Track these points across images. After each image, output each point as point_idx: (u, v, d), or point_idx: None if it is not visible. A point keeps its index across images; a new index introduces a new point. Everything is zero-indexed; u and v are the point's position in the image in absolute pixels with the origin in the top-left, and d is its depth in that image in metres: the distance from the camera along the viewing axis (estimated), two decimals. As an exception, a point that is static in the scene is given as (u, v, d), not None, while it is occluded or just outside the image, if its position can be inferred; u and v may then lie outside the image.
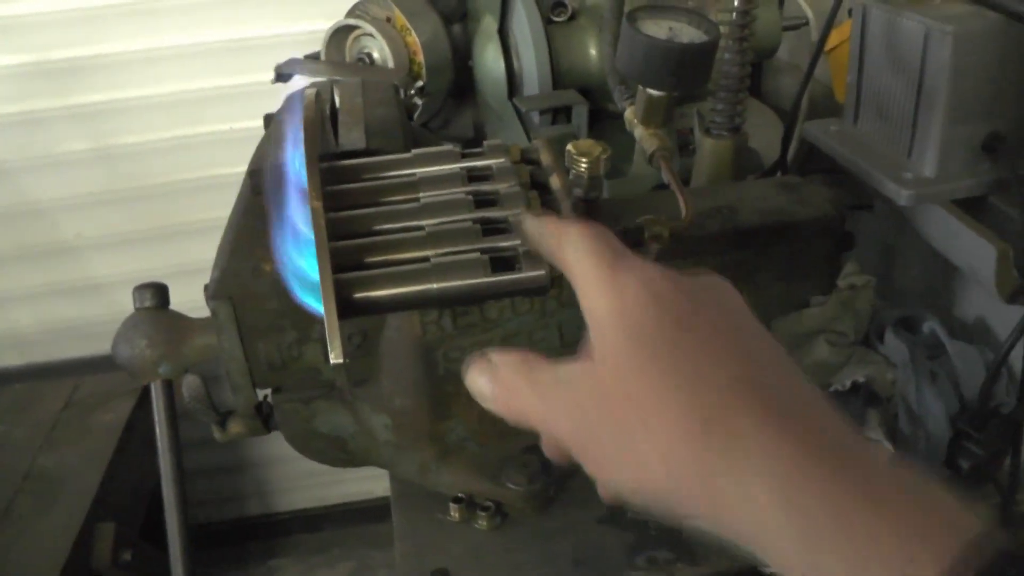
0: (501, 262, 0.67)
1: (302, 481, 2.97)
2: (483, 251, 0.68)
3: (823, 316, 1.13)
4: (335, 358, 0.60)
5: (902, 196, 1.07)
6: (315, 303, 0.67)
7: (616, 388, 0.53)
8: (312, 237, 0.65)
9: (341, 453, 1.07)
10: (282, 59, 1.72)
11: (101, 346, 2.51)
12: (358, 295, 0.65)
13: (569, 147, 0.72)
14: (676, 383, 0.52)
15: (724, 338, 0.54)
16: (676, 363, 0.52)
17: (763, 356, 0.55)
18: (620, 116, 1.10)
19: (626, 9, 1.08)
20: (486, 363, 0.61)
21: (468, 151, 0.79)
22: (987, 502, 1.09)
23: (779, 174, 1.39)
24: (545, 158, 0.78)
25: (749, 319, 0.57)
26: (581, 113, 1.50)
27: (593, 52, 1.55)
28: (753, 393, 0.51)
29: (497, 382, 0.60)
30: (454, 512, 1.07)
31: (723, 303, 0.58)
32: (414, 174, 0.76)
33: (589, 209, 0.73)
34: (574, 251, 0.60)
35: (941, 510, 0.47)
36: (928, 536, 0.45)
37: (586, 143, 0.72)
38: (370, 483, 2.99)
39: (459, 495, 1.07)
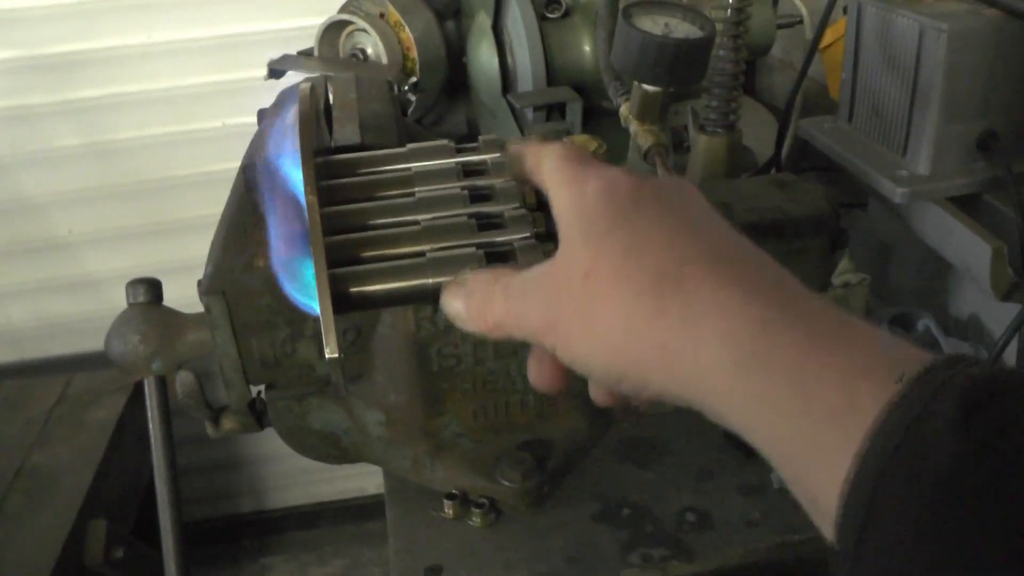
0: (497, 257, 0.67)
1: (295, 478, 2.97)
2: (478, 246, 0.68)
3: (817, 313, 1.13)
4: (330, 353, 0.60)
5: (897, 194, 1.07)
6: (309, 299, 0.67)
7: (576, 268, 0.54)
8: (306, 232, 0.65)
9: (334, 449, 1.07)
10: (275, 55, 1.72)
11: (94, 342, 2.50)
12: (353, 290, 0.65)
13: (564, 141, 0.72)
14: (628, 251, 0.53)
15: (678, 216, 0.55)
16: (630, 236, 0.54)
17: (716, 232, 0.56)
18: (614, 113, 1.10)
19: (621, 5, 1.07)
20: (457, 283, 0.62)
21: (463, 146, 0.78)
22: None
23: (773, 171, 1.39)
24: (540, 153, 0.78)
25: (707, 209, 0.58)
26: (575, 110, 1.49)
27: (587, 49, 1.55)
28: (703, 253, 0.52)
29: (470, 297, 0.61)
30: (448, 509, 1.06)
31: (683, 195, 0.58)
32: (409, 169, 0.75)
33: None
34: (548, 162, 0.62)
35: (889, 348, 0.48)
36: (872, 369, 0.46)
37: (582, 138, 0.72)
38: (363, 480, 3.00)
39: (453, 492, 1.07)
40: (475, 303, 0.60)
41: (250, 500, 3.05)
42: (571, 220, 0.57)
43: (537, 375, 0.65)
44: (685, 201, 0.58)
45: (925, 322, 1.16)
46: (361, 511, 3.03)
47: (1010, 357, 1.05)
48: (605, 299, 0.53)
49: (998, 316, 1.11)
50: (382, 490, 1.16)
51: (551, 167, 0.62)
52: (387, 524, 1.09)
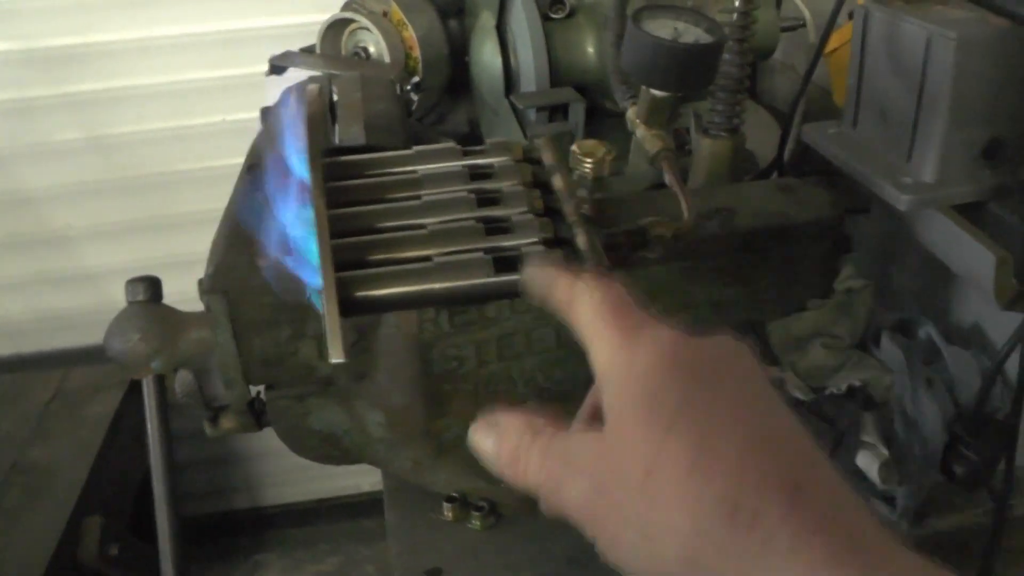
0: (504, 262, 0.67)
1: (290, 475, 2.97)
2: (486, 250, 0.68)
3: (820, 319, 1.13)
4: (336, 357, 0.59)
5: (901, 201, 1.07)
6: (315, 300, 0.67)
7: (634, 460, 0.50)
8: (313, 234, 0.65)
9: (334, 450, 1.07)
10: (277, 51, 1.72)
11: (91, 337, 2.50)
12: (360, 294, 0.65)
13: (574, 147, 0.72)
14: (697, 463, 0.49)
15: (743, 412, 0.52)
16: (698, 442, 0.49)
17: (782, 432, 0.52)
18: (617, 114, 1.10)
19: (630, 8, 1.07)
20: (491, 423, 0.59)
21: (470, 149, 0.78)
22: (981, 507, 1.09)
23: (776, 175, 1.38)
24: (547, 157, 0.78)
25: (766, 387, 0.55)
26: (578, 111, 1.49)
27: (591, 50, 1.55)
28: (779, 479, 0.48)
29: (503, 444, 0.57)
30: (448, 512, 1.06)
31: (740, 370, 0.55)
32: (416, 171, 0.75)
33: (596, 210, 0.72)
34: (587, 310, 0.57)
35: None
36: None
37: (590, 144, 0.72)
38: (358, 478, 2.99)
39: (453, 494, 1.07)
40: (508, 454, 0.57)
41: (245, 496, 3.04)
42: (623, 394, 0.53)
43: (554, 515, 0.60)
44: (745, 381, 0.54)
45: (927, 329, 1.16)
46: (356, 509, 3.03)
47: (1012, 367, 1.05)
48: (668, 512, 0.48)
49: (1001, 325, 1.10)
50: (377, 488, 1.16)
51: (590, 317, 0.57)
52: (387, 526, 1.09)
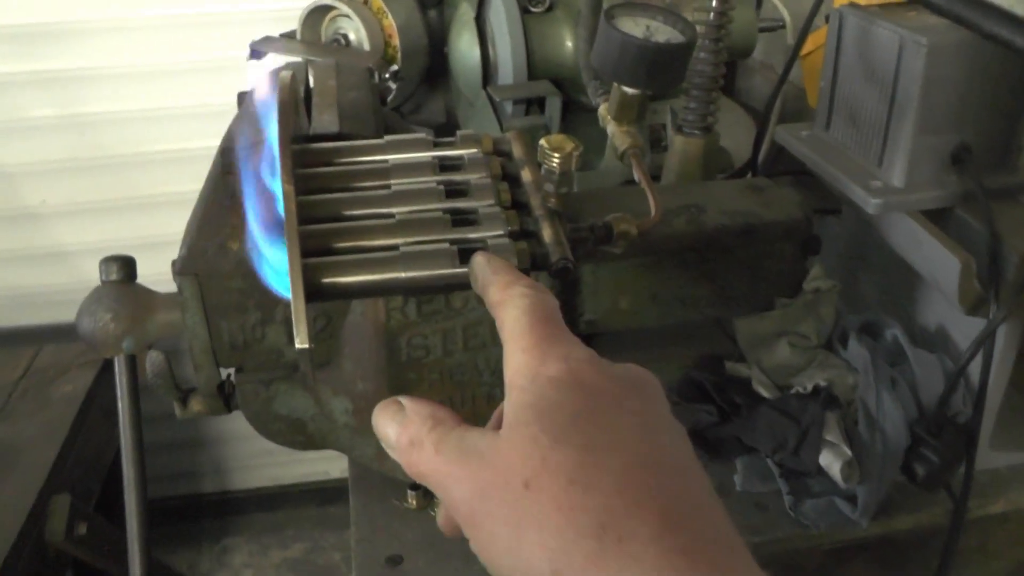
0: (469, 253, 0.67)
1: (258, 460, 2.97)
2: (452, 241, 0.68)
3: (786, 318, 1.14)
4: (300, 343, 0.60)
5: (870, 204, 1.08)
6: (281, 285, 0.67)
7: (516, 472, 0.51)
8: (281, 220, 0.65)
9: (300, 435, 1.07)
10: (256, 35, 1.72)
11: (63, 314, 2.49)
12: (326, 280, 0.65)
13: (542, 142, 0.72)
14: (576, 479, 0.49)
15: (633, 436, 0.52)
16: (581, 458, 0.50)
17: (669, 461, 0.53)
18: (593, 109, 1.10)
19: (604, 5, 1.08)
20: (396, 407, 0.59)
21: (440, 140, 0.79)
22: (941, 508, 1.10)
23: (749, 175, 1.39)
24: (517, 150, 0.78)
25: (665, 418, 0.55)
26: (554, 104, 1.50)
27: (569, 44, 1.56)
28: (653, 503, 0.49)
29: (403, 432, 0.57)
30: (411, 499, 1.07)
31: (642, 398, 0.55)
32: (386, 161, 0.76)
33: (562, 204, 0.73)
34: (513, 314, 0.58)
35: None
36: None
37: (558, 138, 0.72)
38: (325, 464, 2.99)
39: (417, 483, 1.07)
40: (405, 442, 0.57)
41: (213, 480, 3.04)
42: (522, 401, 0.54)
43: (444, 522, 0.62)
44: (647, 414, 0.55)
45: (893, 331, 1.17)
46: (324, 495, 3.04)
47: (975, 371, 1.06)
48: (540, 524, 0.49)
49: (965, 329, 1.12)
50: (345, 475, 1.17)
51: (514, 321, 0.58)
52: (350, 512, 1.10)
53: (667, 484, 0.51)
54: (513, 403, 0.54)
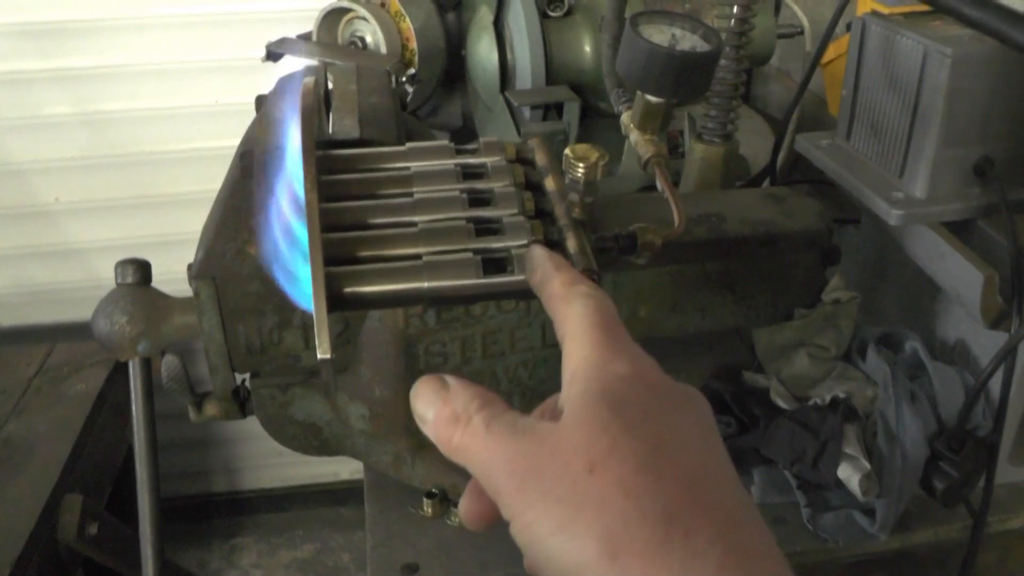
0: (493, 263, 0.67)
1: (269, 460, 2.97)
2: (475, 251, 0.68)
3: (805, 329, 1.13)
4: (323, 353, 0.59)
5: (892, 216, 1.07)
6: (300, 294, 0.67)
7: (580, 453, 0.50)
8: (304, 228, 0.65)
9: (315, 440, 1.07)
10: (273, 36, 1.71)
11: (77, 312, 2.50)
12: (348, 290, 0.64)
13: (567, 151, 0.72)
14: (647, 467, 0.49)
15: (700, 444, 0.53)
16: (652, 450, 0.50)
17: (724, 474, 0.53)
18: (610, 114, 1.10)
19: (628, 12, 1.07)
20: (440, 383, 0.57)
21: (463, 147, 0.78)
22: (960, 523, 1.10)
23: (767, 183, 1.39)
24: (540, 158, 0.78)
25: (717, 437, 0.55)
26: (573, 110, 1.49)
27: (588, 49, 1.55)
28: (721, 503, 0.50)
29: (445, 406, 0.55)
30: (427, 507, 1.06)
31: (699, 414, 0.56)
32: (408, 168, 0.75)
33: (587, 213, 0.72)
34: (579, 311, 0.58)
35: None
36: None
37: (583, 148, 0.72)
38: (337, 466, 3.00)
39: (432, 490, 1.07)
40: (449, 418, 0.55)
41: (224, 480, 3.04)
42: (590, 390, 0.53)
43: (468, 509, 0.60)
44: (704, 424, 0.55)
45: (912, 344, 1.16)
46: (334, 496, 3.04)
47: (995, 385, 1.05)
48: (602, 506, 0.48)
49: (985, 343, 1.11)
50: (356, 476, 1.17)
51: (580, 317, 0.57)
52: (366, 519, 1.09)
53: (729, 489, 0.51)
54: (579, 392, 0.53)
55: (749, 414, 1.14)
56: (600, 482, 0.49)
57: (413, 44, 1.67)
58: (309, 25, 1.75)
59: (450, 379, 0.57)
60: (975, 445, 1.06)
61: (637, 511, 0.48)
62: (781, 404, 1.13)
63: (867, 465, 1.05)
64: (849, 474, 1.05)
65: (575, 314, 0.58)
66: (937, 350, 1.20)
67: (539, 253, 0.64)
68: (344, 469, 3.00)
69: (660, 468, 0.49)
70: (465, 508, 0.60)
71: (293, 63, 1.60)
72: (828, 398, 1.11)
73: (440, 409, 0.56)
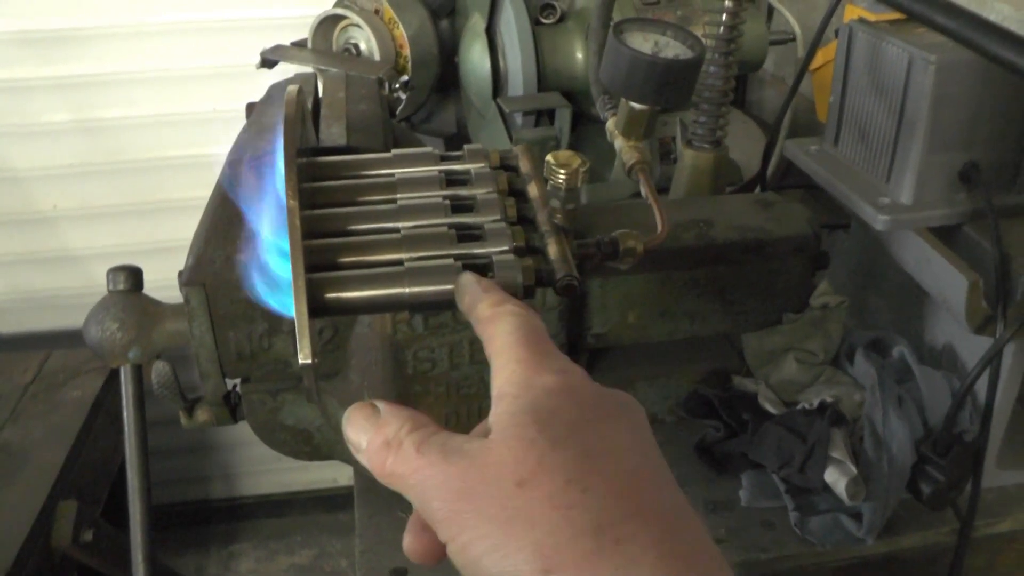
0: (474, 269, 0.67)
1: (267, 466, 2.97)
2: (457, 257, 0.68)
3: (794, 334, 1.14)
4: (304, 358, 0.59)
5: (878, 221, 1.08)
6: (283, 301, 0.67)
7: (509, 471, 0.50)
8: (286, 235, 0.65)
9: (306, 446, 1.07)
10: (269, 42, 1.72)
11: (73, 319, 2.49)
12: (329, 296, 0.65)
13: (548, 158, 0.72)
14: (575, 479, 0.49)
15: (631, 451, 0.53)
16: (580, 461, 0.50)
17: (664, 475, 0.53)
18: (602, 121, 1.10)
19: (614, 19, 1.08)
20: (371, 410, 0.57)
21: (447, 154, 0.79)
22: (947, 527, 1.10)
23: (758, 189, 1.39)
24: (524, 165, 0.78)
25: (651, 442, 0.55)
26: (564, 117, 1.50)
27: (579, 56, 1.56)
28: (652, 509, 0.50)
29: (377, 433, 0.55)
30: (416, 512, 1.07)
31: (631, 420, 0.56)
32: (392, 175, 0.76)
33: (569, 219, 0.72)
34: (505, 329, 0.58)
35: None
36: None
37: (565, 154, 0.72)
38: (334, 471, 3.00)
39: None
40: (381, 445, 0.55)
41: (221, 486, 3.04)
42: (516, 407, 0.53)
43: (414, 544, 0.59)
44: (635, 428, 0.55)
45: (900, 348, 1.16)
46: (331, 502, 3.04)
47: (982, 389, 1.06)
48: (533, 521, 0.48)
49: (972, 347, 1.11)
50: (353, 483, 1.17)
51: (506, 335, 0.58)
52: (356, 523, 1.10)
53: (663, 495, 0.52)
54: (505, 409, 0.53)
55: (738, 419, 1.14)
56: (530, 497, 0.49)
57: (406, 51, 1.68)
58: (305, 32, 1.75)
59: (381, 405, 0.57)
60: (962, 449, 1.06)
61: (568, 524, 0.48)
62: (769, 409, 1.13)
63: (854, 469, 1.05)
64: (836, 478, 1.06)
65: (500, 332, 0.58)
66: (925, 355, 1.21)
67: (467, 279, 0.65)
68: (342, 475, 3.00)
69: (589, 479, 0.49)
70: (409, 543, 0.59)
71: (287, 69, 1.61)
72: (816, 403, 1.11)
73: (373, 437, 0.55)
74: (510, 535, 0.48)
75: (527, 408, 0.53)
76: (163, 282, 1.08)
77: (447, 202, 0.73)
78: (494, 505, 0.49)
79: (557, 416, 0.52)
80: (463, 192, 0.74)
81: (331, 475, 3.03)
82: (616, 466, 0.51)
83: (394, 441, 0.54)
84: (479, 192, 0.74)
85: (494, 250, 0.69)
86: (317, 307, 0.65)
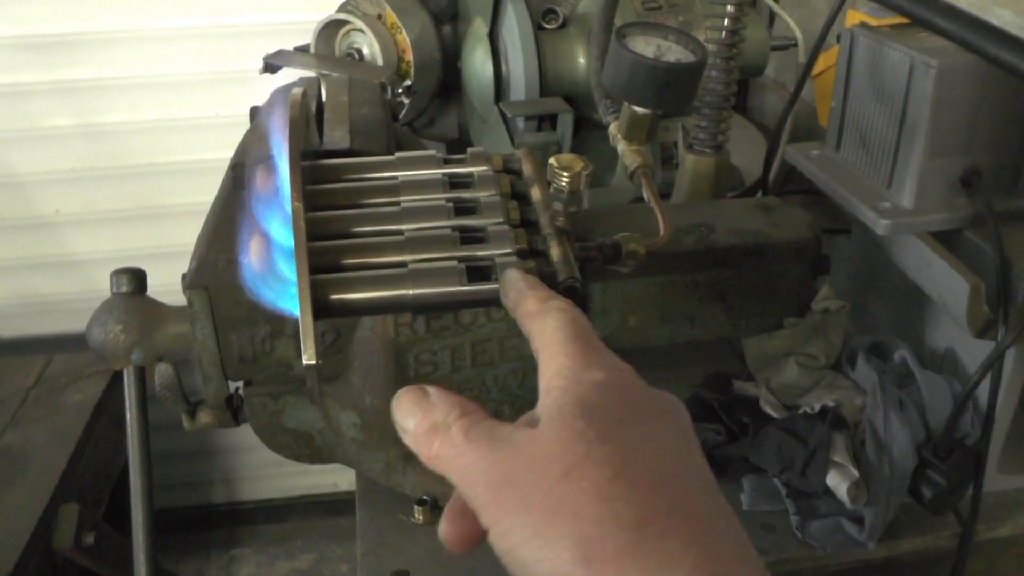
0: (477, 271, 0.68)
1: (268, 470, 2.97)
2: (460, 259, 0.69)
3: (795, 338, 1.14)
4: (308, 359, 0.60)
5: (880, 226, 1.08)
6: (287, 302, 0.68)
7: (555, 460, 0.50)
8: (290, 236, 0.65)
9: (307, 449, 1.07)
10: (271, 48, 1.73)
11: (76, 323, 2.50)
12: (333, 297, 0.65)
13: (551, 161, 0.72)
14: (622, 473, 0.50)
15: (675, 451, 0.54)
16: (627, 457, 0.50)
17: (707, 478, 0.54)
18: (605, 126, 1.10)
19: (616, 23, 1.08)
20: (420, 393, 0.58)
21: (450, 157, 0.79)
22: (948, 531, 1.10)
23: (760, 194, 1.39)
24: (527, 168, 0.79)
25: (695, 444, 0.56)
26: (566, 121, 1.50)
27: (581, 61, 1.56)
28: (695, 508, 0.50)
29: (425, 417, 0.56)
30: (418, 514, 1.07)
31: (677, 421, 0.57)
32: (396, 177, 0.76)
33: (571, 223, 0.73)
34: (554, 324, 0.59)
35: None
36: None
37: (568, 157, 0.72)
38: (334, 476, 3.00)
39: (424, 497, 1.07)
40: (429, 427, 0.55)
41: (223, 490, 3.05)
42: (565, 400, 0.54)
43: (449, 530, 0.59)
44: (681, 429, 0.56)
45: (902, 352, 1.16)
46: (332, 507, 3.04)
47: (983, 393, 1.06)
48: (577, 512, 0.48)
49: (974, 351, 1.12)
50: (354, 487, 1.17)
51: (555, 330, 0.58)
52: (357, 526, 1.10)
53: (705, 495, 0.52)
54: (554, 401, 0.54)
55: (738, 423, 1.14)
56: (575, 488, 0.49)
57: (409, 56, 1.68)
58: (308, 37, 1.76)
59: (431, 389, 0.58)
60: (963, 453, 1.06)
61: (612, 516, 0.48)
62: (771, 413, 1.14)
63: (855, 473, 1.05)
64: (837, 482, 1.06)
65: (549, 327, 0.59)
66: (927, 359, 1.21)
67: (512, 275, 0.65)
68: (343, 480, 3.00)
69: (635, 474, 0.50)
70: (445, 529, 0.59)
71: (290, 74, 1.62)
72: (817, 407, 1.11)
73: (421, 419, 0.56)
74: (553, 524, 0.49)
75: (576, 401, 0.53)
76: (166, 287, 1.08)
77: (450, 205, 0.73)
78: (538, 493, 0.50)
79: (605, 411, 0.53)
80: (466, 195, 0.75)
81: (332, 480, 3.03)
82: (661, 463, 0.52)
83: (442, 425, 0.55)
84: (482, 195, 0.75)
85: (497, 252, 0.69)
86: (321, 308, 0.65)
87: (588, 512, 0.48)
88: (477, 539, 0.55)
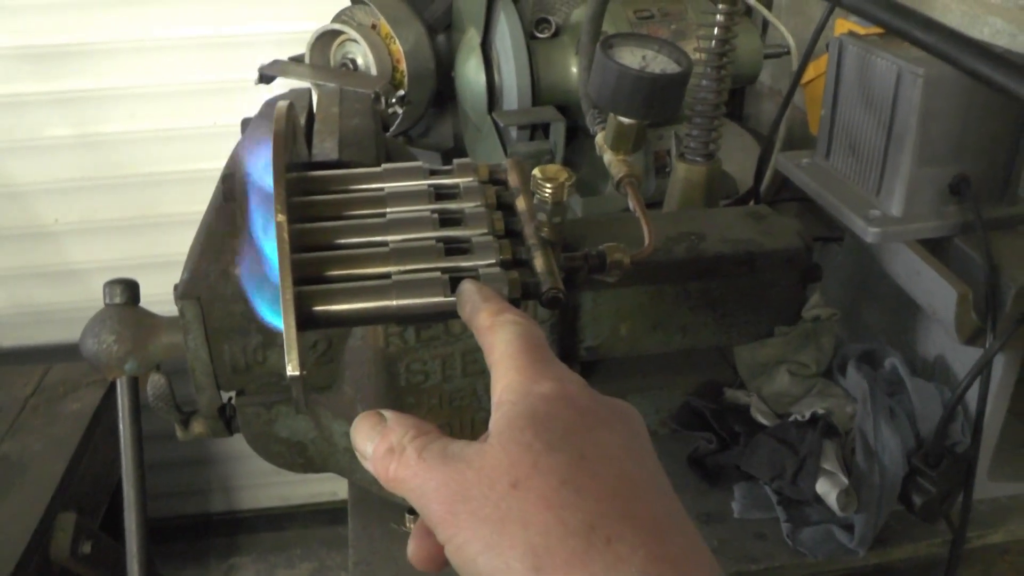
0: (461, 282, 0.68)
1: (267, 479, 2.97)
2: (444, 270, 0.69)
3: (786, 346, 1.14)
4: (292, 370, 0.60)
5: (869, 234, 1.08)
6: (274, 314, 0.68)
7: (504, 472, 0.51)
8: (275, 249, 0.66)
9: (300, 458, 1.08)
10: (268, 58, 1.73)
11: (73, 333, 2.50)
12: (318, 308, 0.66)
13: (535, 172, 0.73)
14: (569, 480, 0.50)
15: (626, 457, 0.54)
16: (574, 465, 0.51)
17: (658, 482, 0.54)
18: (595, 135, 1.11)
19: (609, 32, 1.08)
20: (377, 419, 0.59)
21: (437, 168, 0.79)
22: (939, 538, 1.10)
23: (752, 203, 1.40)
24: (513, 179, 0.79)
25: (648, 450, 0.56)
26: (559, 130, 1.50)
27: (574, 70, 1.56)
28: (644, 512, 0.50)
29: (383, 442, 0.57)
30: (409, 523, 1.07)
31: (628, 428, 0.57)
32: (382, 189, 0.76)
33: (555, 233, 0.73)
34: (505, 338, 0.59)
35: None
36: None
37: (552, 168, 0.73)
38: (333, 484, 3.00)
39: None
40: (385, 452, 0.56)
41: (221, 499, 3.05)
42: (513, 412, 0.54)
43: (416, 550, 0.60)
44: (633, 435, 0.56)
45: (892, 360, 1.17)
46: (331, 515, 3.04)
47: (973, 400, 1.06)
48: (525, 521, 0.49)
49: (964, 359, 1.12)
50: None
51: (506, 344, 0.59)
52: (349, 535, 1.10)
53: (656, 499, 0.52)
54: (503, 415, 0.54)
55: (729, 431, 1.15)
56: (523, 498, 0.50)
57: (403, 66, 1.69)
58: (303, 47, 1.76)
59: (388, 414, 0.59)
60: (953, 460, 1.07)
61: (559, 524, 0.48)
62: (762, 420, 1.14)
63: (845, 480, 1.06)
64: (828, 489, 1.06)
65: (501, 341, 0.59)
66: (918, 366, 1.21)
67: (468, 287, 0.66)
68: (342, 488, 2.98)
69: (583, 480, 0.50)
70: (412, 549, 0.60)
71: (285, 84, 1.62)
72: (808, 414, 1.12)
73: (378, 444, 0.57)
74: (503, 534, 0.49)
75: (524, 413, 0.54)
76: (164, 296, 1.08)
77: (435, 216, 0.73)
78: (488, 506, 0.50)
79: (553, 421, 0.53)
80: (451, 206, 0.75)
81: (330, 488, 3.03)
82: (610, 469, 0.52)
83: (397, 447, 0.55)
84: (467, 206, 0.75)
85: (481, 263, 0.70)
86: (305, 319, 0.65)
87: (536, 521, 0.49)
88: (443, 557, 0.55)
